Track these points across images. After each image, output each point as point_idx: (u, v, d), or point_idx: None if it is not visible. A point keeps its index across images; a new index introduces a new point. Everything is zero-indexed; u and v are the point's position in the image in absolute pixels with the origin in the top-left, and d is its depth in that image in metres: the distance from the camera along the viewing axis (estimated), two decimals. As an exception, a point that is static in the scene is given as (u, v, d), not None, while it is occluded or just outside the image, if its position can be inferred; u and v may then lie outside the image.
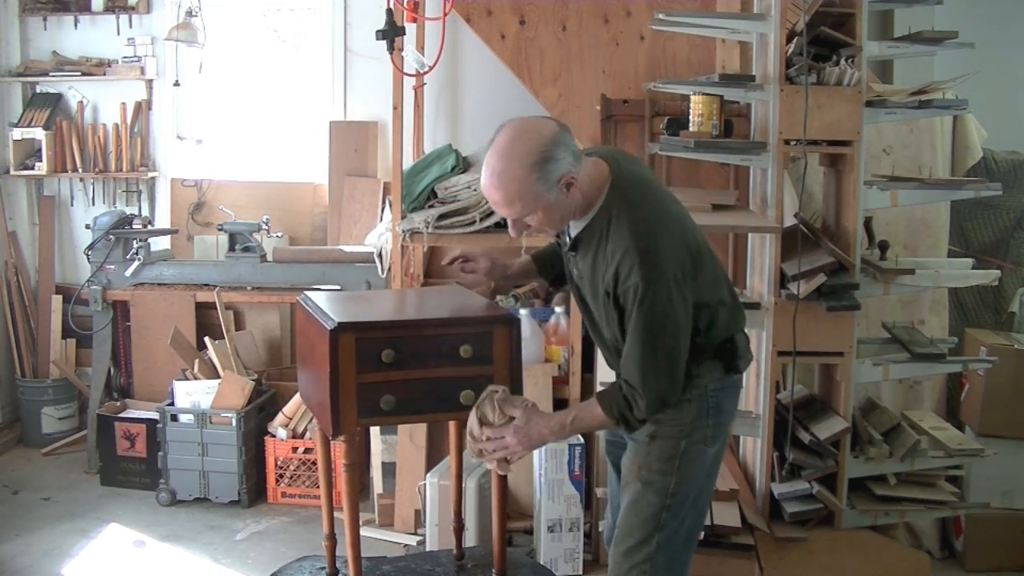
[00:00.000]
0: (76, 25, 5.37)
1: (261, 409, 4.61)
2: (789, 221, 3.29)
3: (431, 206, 4.11)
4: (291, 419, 4.53)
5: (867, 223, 3.36)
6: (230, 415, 4.40)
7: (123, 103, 5.32)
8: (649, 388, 2.23)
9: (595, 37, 4.11)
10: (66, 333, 5.27)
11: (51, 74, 5.32)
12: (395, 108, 4.10)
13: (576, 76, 4.11)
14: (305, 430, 4.51)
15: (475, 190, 4.05)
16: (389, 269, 4.35)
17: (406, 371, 2.38)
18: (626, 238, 2.21)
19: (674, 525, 2.35)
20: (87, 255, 4.86)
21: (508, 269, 2.79)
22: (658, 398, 2.25)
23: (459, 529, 3.00)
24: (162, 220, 5.34)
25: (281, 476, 4.52)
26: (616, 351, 2.35)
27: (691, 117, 3.34)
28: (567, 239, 2.41)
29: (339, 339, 2.31)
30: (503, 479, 2.66)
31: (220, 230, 4.86)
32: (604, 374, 3.25)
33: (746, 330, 2.51)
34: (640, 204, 2.27)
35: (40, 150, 5.26)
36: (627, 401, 2.27)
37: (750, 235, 3.57)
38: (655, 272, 2.18)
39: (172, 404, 4.52)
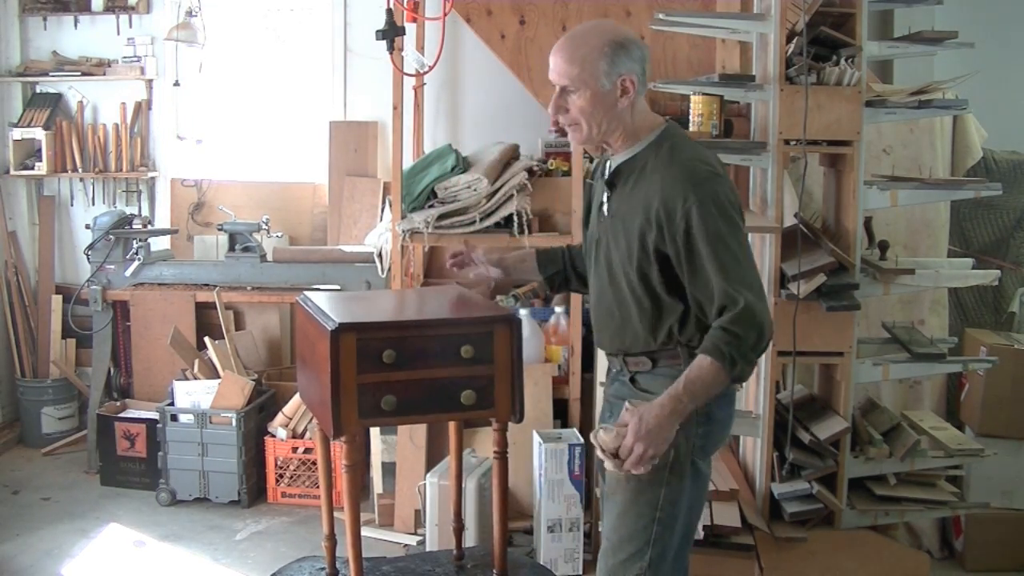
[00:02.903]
0: (76, 25, 5.37)
1: (261, 409, 4.61)
2: (789, 221, 3.29)
3: (431, 206, 4.11)
4: (291, 419, 4.53)
5: (867, 223, 3.36)
6: (230, 415, 4.40)
7: (123, 103, 5.32)
8: (748, 300, 2.07)
9: (595, 37, 4.10)
10: (66, 333, 5.27)
11: (51, 74, 5.32)
12: (395, 108, 4.10)
13: (576, 76, 4.10)
14: (305, 430, 4.51)
15: (475, 190, 4.05)
16: (389, 269, 4.35)
17: (407, 371, 2.37)
18: (677, 170, 2.19)
19: (667, 538, 2.31)
20: (87, 255, 4.86)
21: (505, 255, 2.77)
22: (758, 307, 2.08)
23: (459, 529, 2.99)
24: (162, 220, 5.35)
25: (281, 476, 4.52)
26: (620, 314, 2.31)
27: (691, 117, 3.34)
28: (603, 174, 2.38)
29: (340, 339, 2.31)
30: (503, 479, 2.66)
31: (220, 230, 4.86)
32: (604, 374, 3.23)
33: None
34: (695, 148, 2.29)
35: (40, 150, 5.26)
36: (727, 332, 2.07)
37: (750, 235, 3.56)
38: (713, 192, 2.15)
39: (172, 404, 4.52)
